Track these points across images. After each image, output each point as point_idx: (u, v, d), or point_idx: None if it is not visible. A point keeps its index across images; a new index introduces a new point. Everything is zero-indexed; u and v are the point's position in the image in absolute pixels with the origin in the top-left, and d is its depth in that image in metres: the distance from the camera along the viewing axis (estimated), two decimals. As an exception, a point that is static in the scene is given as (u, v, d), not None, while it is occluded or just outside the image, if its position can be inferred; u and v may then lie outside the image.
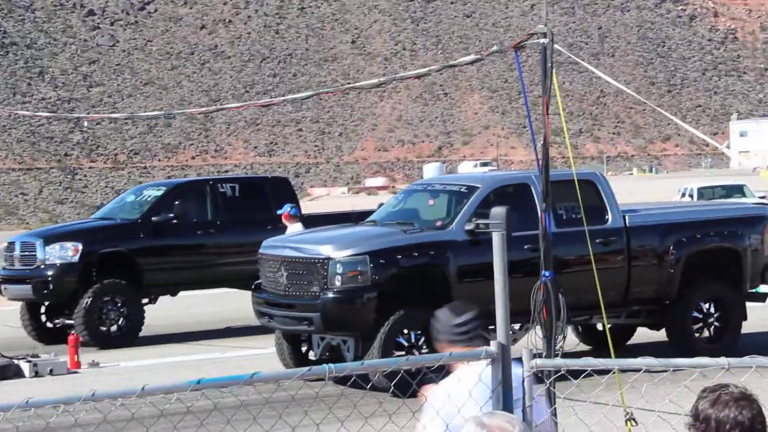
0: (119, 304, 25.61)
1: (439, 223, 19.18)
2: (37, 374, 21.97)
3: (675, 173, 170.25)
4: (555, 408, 11.15)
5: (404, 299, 18.12)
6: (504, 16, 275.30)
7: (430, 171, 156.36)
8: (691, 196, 55.12)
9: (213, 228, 27.06)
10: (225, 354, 23.81)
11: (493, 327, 17.23)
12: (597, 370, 8.35)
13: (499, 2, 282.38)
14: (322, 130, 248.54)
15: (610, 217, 19.54)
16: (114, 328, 25.50)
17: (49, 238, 26.29)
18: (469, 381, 7.24)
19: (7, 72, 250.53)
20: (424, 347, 17.92)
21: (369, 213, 22.91)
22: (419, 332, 18.09)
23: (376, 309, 17.92)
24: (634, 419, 11.68)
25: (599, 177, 20.16)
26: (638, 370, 8.07)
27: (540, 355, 9.75)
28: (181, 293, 28.33)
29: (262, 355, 22.13)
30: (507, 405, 7.18)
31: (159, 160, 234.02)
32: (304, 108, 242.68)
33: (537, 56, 12.19)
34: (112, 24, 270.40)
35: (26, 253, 26.49)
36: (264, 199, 27.69)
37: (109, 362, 23.32)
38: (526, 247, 18.55)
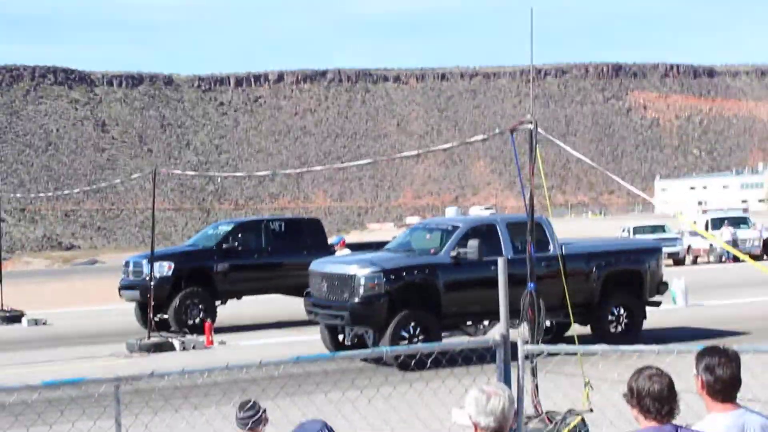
0: (199, 305, 25.56)
1: (432, 251, 18.90)
2: (184, 349, 21.96)
3: (617, 216, 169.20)
4: (537, 382, 11.12)
5: (407, 303, 17.96)
6: (500, 108, 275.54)
7: (450, 212, 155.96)
8: (628, 231, 54.37)
9: (266, 253, 26.91)
10: (311, 337, 23.69)
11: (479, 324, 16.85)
12: (568, 352, 8.30)
13: (497, 98, 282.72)
14: (376, 184, 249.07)
15: (551, 247, 19.29)
16: (195, 321, 25.38)
17: (152, 259, 26.35)
18: None
19: (165, 143, 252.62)
20: (421, 336, 17.82)
21: (386, 243, 22.82)
22: (417, 327, 18.00)
23: (388, 309, 17.73)
24: (591, 385, 11.62)
25: (544, 220, 19.86)
26: (596, 353, 8.01)
27: (527, 343, 9.68)
28: (248, 297, 28.13)
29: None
30: (507, 378, 7.15)
31: (266, 204, 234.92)
32: (364, 169, 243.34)
33: (523, 135, 12.17)
34: (235, 111, 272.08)
35: (136, 269, 26.44)
36: (301, 233, 27.62)
37: (232, 341, 23.29)
38: (492, 268, 18.36)
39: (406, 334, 17.83)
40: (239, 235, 26.83)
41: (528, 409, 10.00)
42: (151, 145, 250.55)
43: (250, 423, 7.19)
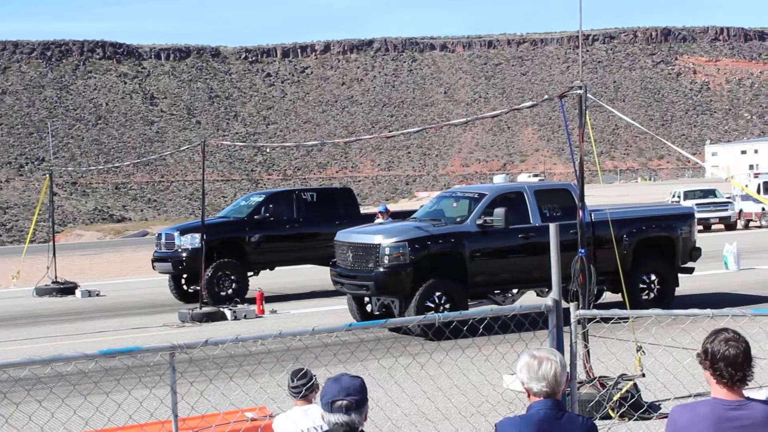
0: (231, 276, 25.56)
1: (458, 219, 18.60)
2: (235, 318, 22.09)
3: (667, 181, 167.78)
4: (588, 347, 11.08)
5: (433, 272, 17.73)
6: (548, 74, 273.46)
7: (498, 180, 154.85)
8: (679, 197, 53.72)
9: (297, 223, 26.82)
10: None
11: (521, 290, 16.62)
12: (620, 317, 8.25)
13: (545, 64, 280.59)
14: (424, 152, 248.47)
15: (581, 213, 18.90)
16: (227, 292, 25.43)
17: (184, 231, 26.16)
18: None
19: (213, 115, 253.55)
20: (447, 305, 17.65)
21: (414, 211, 22.48)
22: (444, 296, 17.82)
23: (413, 279, 17.45)
24: (643, 350, 11.57)
25: (573, 186, 19.33)
26: (650, 317, 7.95)
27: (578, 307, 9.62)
28: (294, 267, 28.10)
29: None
30: (559, 342, 7.15)
31: (314, 174, 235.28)
32: (412, 138, 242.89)
33: (571, 101, 12.10)
34: (282, 82, 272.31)
35: (168, 241, 26.43)
36: (333, 203, 27.53)
37: (283, 310, 23.42)
38: (519, 236, 18.27)
39: (432, 304, 17.67)
40: (270, 206, 26.86)
41: (580, 374, 9.98)
42: (200, 117, 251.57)
43: (303, 391, 7.24)
